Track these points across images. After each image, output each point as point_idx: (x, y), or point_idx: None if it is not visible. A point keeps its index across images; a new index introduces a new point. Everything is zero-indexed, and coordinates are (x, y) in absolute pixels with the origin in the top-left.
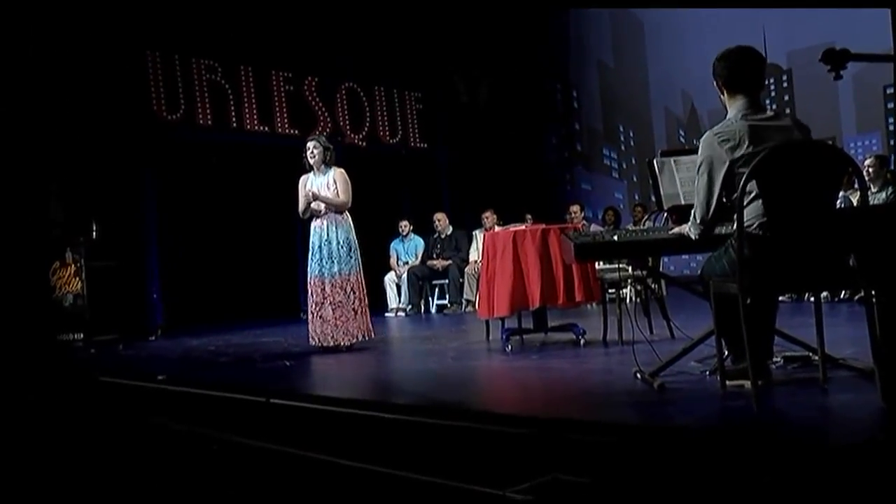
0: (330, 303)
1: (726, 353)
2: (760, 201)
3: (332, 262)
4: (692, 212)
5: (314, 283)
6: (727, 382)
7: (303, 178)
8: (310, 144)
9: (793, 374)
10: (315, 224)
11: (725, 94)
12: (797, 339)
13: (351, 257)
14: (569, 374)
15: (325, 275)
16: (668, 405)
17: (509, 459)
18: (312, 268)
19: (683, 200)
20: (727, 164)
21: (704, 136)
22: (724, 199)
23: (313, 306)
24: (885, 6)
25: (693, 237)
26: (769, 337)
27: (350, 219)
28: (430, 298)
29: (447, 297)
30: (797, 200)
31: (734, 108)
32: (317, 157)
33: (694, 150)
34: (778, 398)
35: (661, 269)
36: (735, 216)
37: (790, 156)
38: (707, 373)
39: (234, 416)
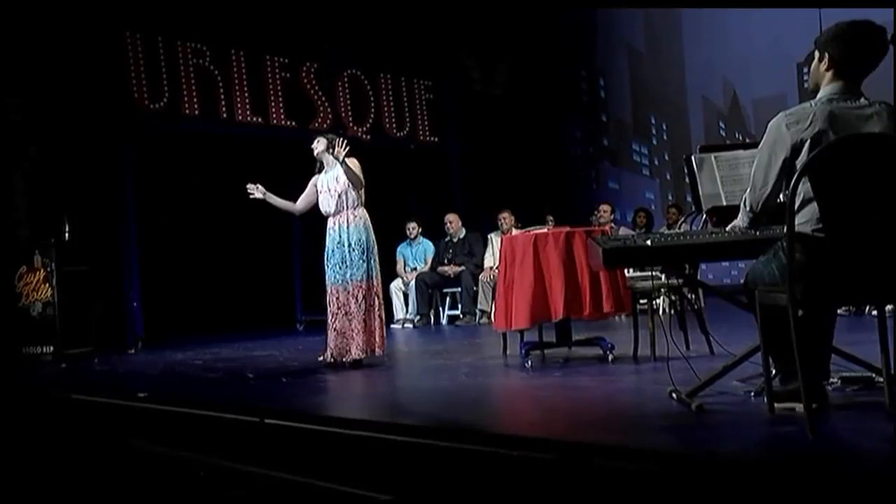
0: (345, 313)
1: (774, 371)
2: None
3: (346, 266)
4: (743, 198)
5: (330, 291)
6: (776, 405)
7: (316, 177)
8: (318, 138)
9: (853, 398)
10: (328, 224)
11: (828, 73)
12: (858, 358)
13: (363, 261)
14: (595, 393)
15: (339, 281)
16: (708, 430)
17: (528, 487)
18: (328, 274)
19: (725, 201)
20: (790, 147)
21: (775, 118)
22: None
23: (330, 317)
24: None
25: (743, 227)
26: (825, 354)
27: (366, 216)
28: (440, 308)
29: (459, 306)
30: (859, 199)
31: (826, 90)
32: (316, 150)
33: (736, 146)
34: (835, 425)
35: (698, 277)
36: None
37: (852, 150)
38: (752, 394)
39: (223, 438)
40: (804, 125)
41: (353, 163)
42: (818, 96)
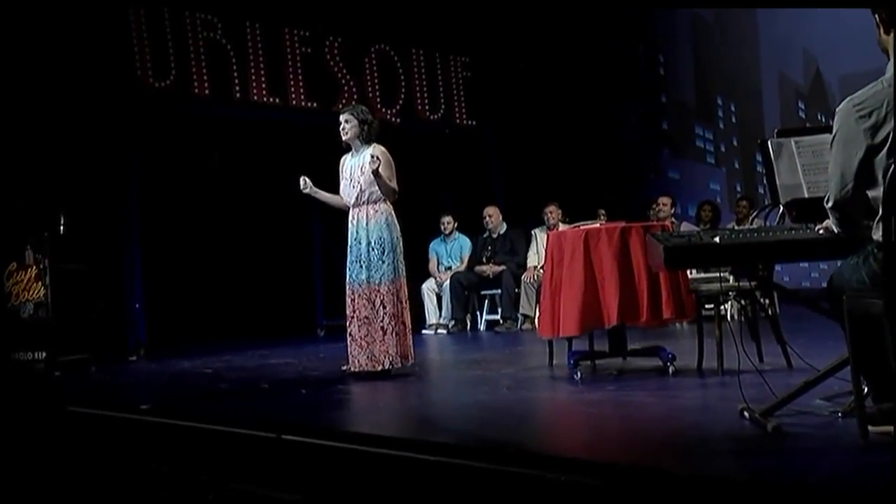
0: (357, 317)
1: (866, 389)
2: None
3: (362, 266)
4: (826, 197)
5: (347, 291)
6: (869, 428)
7: (343, 158)
8: (342, 118)
9: None
10: (349, 216)
11: (892, 36)
12: None
13: (384, 262)
14: (654, 410)
15: (354, 282)
16: (787, 455)
17: None
18: (346, 272)
19: (807, 193)
20: (864, 145)
21: (842, 105)
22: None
23: (346, 321)
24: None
25: (835, 229)
26: None
27: (389, 211)
28: (478, 312)
29: (499, 311)
30: None
31: None
32: (349, 132)
33: (820, 129)
34: None
35: (773, 279)
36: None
37: None
38: (839, 415)
39: (236, 456)
40: (877, 118)
41: (381, 153)
42: (889, 70)
